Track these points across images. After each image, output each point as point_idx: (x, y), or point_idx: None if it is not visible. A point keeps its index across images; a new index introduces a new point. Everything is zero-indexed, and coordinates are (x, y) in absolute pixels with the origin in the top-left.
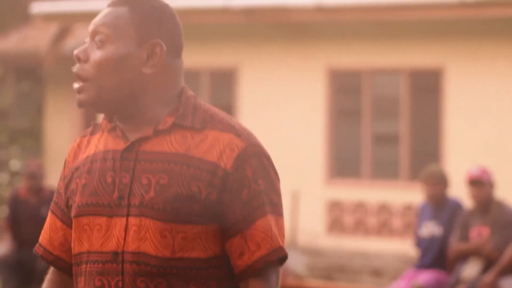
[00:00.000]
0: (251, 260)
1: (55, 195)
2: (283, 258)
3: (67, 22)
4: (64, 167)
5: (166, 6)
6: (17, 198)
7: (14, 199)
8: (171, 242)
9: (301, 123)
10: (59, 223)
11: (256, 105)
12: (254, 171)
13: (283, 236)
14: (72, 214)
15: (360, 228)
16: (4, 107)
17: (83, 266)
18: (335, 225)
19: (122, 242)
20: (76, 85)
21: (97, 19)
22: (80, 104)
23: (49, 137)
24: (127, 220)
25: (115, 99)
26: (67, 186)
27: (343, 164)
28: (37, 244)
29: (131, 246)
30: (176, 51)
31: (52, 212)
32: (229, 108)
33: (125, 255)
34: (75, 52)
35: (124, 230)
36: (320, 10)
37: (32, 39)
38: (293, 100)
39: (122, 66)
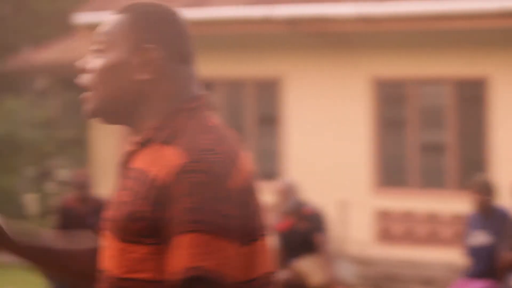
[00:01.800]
0: (167, 279)
1: None
2: (194, 279)
3: None
4: None
5: (170, 12)
6: (65, 207)
7: (62, 209)
8: (124, 262)
9: (347, 132)
10: None
11: (301, 115)
12: (186, 188)
13: (219, 258)
14: None
15: (408, 237)
16: (51, 117)
17: None
18: (384, 235)
19: (102, 259)
20: (81, 96)
21: (100, 28)
22: (86, 114)
23: (95, 146)
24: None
25: (113, 107)
26: None
27: (390, 173)
28: None
29: (104, 264)
30: (180, 57)
31: None
32: (274, 118)
33: (103, 273)
34: (78, 63)
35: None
36: (363, 20)
37: (76, 49)
38: (338, 110)
39: (116, 73)
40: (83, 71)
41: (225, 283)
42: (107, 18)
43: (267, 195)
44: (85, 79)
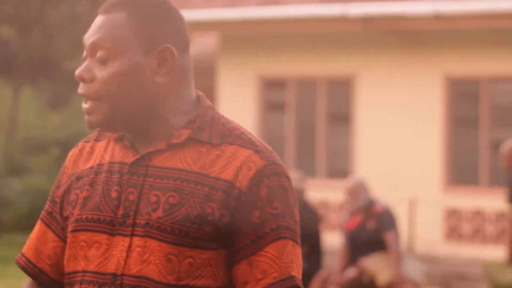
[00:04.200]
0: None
1: (48, 203)
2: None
3: None
4: (62, 174)
5: (166, 2)
6: None
7: None
8: (177, 268)
9: (419, 130)
10: (50, 234)
11: (373, 113)
12: (270, 192)
13: (300, 266)
14: (69, 228)
15: (478, 236)
16: None
17: (77, 286)
18: (453, 233)
19: (123, 263)
20: (85, 106)
21: (92, 31)
22: (92, 125)
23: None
24: (130, 240)
25: (130, 115)
26: (63, 196)
27: (460, 171)
28: (19, 255)
29: (132, 269)
30: (184, 47)
31: (43, 221)
32: (346, 116)
33: (125, 278)
34: (77, 72)
35: (126, 250)
36: (438, 18)
37: None
38: (410, 108)
39: (132, 80)
40: (82, 80)
41: None
42: (98, 20)
43: (338, 193)
44: (87, 89)
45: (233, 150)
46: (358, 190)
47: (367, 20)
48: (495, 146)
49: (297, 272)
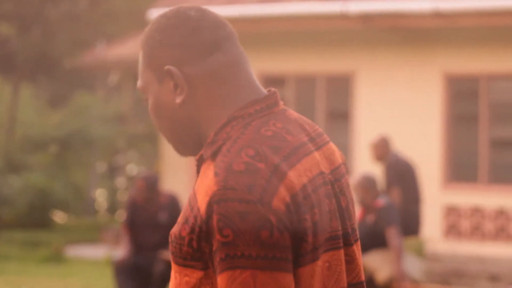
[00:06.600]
0: None
1: None
2: None
3: None
4: None
5: (176, 14)
6: (135, 203)
7: (131, 204)
8: (179, 286)
9: (418, 128)
10: None
11: (373, 111)
12: (220, 220)
13: None
14: None
15: (477, 233)
16: (122, 112)
17: None
18: (452, 230)
19: None
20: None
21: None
22: (181, 156)
23: (166, 142)
24: None
25: (183, 143)
26: None
27: (460, 169)
28: None
29: None
30: (204, 51)
31: None
32: (346, 114)
33: None
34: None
35: None
36: (438, 15)
37: None
38: (409, 105)
39: (162, 111)
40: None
41: None
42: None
43: None
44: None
45: (206, 168)
46: (366, 185)
47: (367, 18)
48: (495, 143)
49: None
